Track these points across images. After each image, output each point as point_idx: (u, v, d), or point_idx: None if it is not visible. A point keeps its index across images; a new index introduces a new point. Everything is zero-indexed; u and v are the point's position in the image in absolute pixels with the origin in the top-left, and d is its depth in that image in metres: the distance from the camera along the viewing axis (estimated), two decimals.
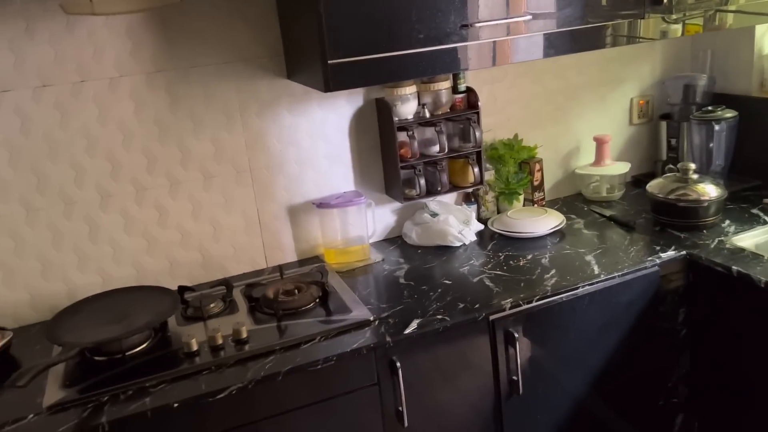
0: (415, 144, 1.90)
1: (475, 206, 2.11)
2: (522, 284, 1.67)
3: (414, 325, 1.52)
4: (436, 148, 1.93)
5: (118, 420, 1.28)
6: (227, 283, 1.75)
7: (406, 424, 1.52)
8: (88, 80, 1.66)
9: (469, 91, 1.96)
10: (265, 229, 1.93)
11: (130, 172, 1.75)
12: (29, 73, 1.61)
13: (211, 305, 1.66)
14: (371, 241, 2.00)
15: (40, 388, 1.38)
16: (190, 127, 1.79)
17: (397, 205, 2.08)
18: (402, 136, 1.90)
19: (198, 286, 1.82)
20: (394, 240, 2.08)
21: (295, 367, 1.41)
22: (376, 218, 2.05)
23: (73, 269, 1.76)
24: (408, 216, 2.08)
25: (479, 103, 1.94)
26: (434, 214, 2.00)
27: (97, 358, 1.48)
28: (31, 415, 1.32)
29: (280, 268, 1.81)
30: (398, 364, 1.49)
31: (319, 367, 1.42)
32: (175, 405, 1.32)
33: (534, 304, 1.61)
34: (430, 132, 1.93)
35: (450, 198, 2.12)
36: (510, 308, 1.58)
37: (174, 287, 1.70)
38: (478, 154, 1.97)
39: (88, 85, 1.67)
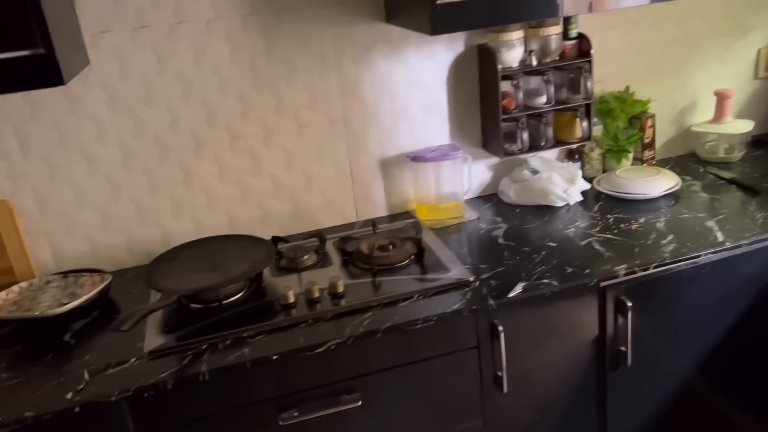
0: (520, 94, 1.77)
1: (579, 164, 1.97)
2: (636, 249, 1.54)
3: (518, 288, 1.43)
4: (543, 99, 1.79)
5: (217, 369, 1.27)
6: (320, 235, 1.70)
7: (505, 390, 1.45)
8: (185, 21, 1.61)
9: (581, 37, 1.79)
10: (356, 181, 1.87)
11: (224, 118, 1.71)
12: (127, 13, 1.57)
13: (305, 257, 1.62)
14: (465, 198, 1.90)
15: (140, 333, 1.38)
16: (284, 74, 1.72)
17: (493, 160, 1.96)
18: (505, 86, 1.76)
19: (289, 236, 1.78)
20: (489, 198, 1.97)
21: (393, 326, 1.35)
22: (472, 174, 1.94)
23: (167, 215, 1.75)
24: (505, 172, 1.96)
25: (592, 52, 1.78)
26: (535, 171, 1.87)
27: (193, 305, 1.47)
28: (133, 359, 1.32)
29: (373, 223, 1.74)
30: (500, 328, 1.41)
31: (418, 326, 1.36)
32: (274, 357, 1.29)
33: (651, 271, 1.48)
34: (535, 81, 1.79)
35: (552, 154, 1.98)
36: (624, 275, 1.46)
37: (265, 236, 1.66)
38: (588, 107, 1.81)
39: (184, 27, 1.62)
